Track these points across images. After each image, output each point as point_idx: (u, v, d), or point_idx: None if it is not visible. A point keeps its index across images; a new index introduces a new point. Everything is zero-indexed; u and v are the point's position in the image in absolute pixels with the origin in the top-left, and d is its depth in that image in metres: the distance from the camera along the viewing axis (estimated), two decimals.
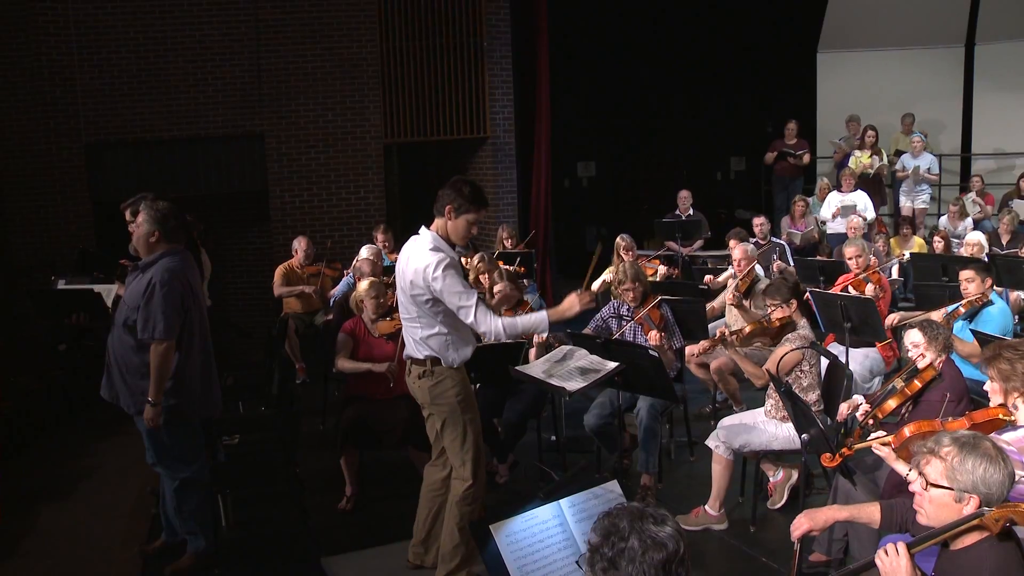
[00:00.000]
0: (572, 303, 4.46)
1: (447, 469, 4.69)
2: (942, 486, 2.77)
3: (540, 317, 4.47)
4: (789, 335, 5.50)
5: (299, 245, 9.10)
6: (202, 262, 8.41)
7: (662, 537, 2.15)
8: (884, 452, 3.92)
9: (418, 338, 4.48)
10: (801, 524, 3.29)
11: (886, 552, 2.71)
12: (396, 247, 9.21)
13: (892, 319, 6.92)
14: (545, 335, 4.45)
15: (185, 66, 10.40)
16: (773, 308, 5.65)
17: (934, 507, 2.79)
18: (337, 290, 8.48)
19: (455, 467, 4.58)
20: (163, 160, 10.55)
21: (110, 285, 7.32)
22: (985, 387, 3.95)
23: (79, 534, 5.64)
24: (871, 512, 3.29)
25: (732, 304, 7.10)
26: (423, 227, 4.50)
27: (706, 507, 5.41)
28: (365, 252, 8.22)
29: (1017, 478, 2.92)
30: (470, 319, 4.32)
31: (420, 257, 4.34)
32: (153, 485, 5.66)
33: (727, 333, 5.66)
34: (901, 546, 2.69)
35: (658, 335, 5.93)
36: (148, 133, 10.38)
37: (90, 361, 7.40)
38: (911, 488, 2.92)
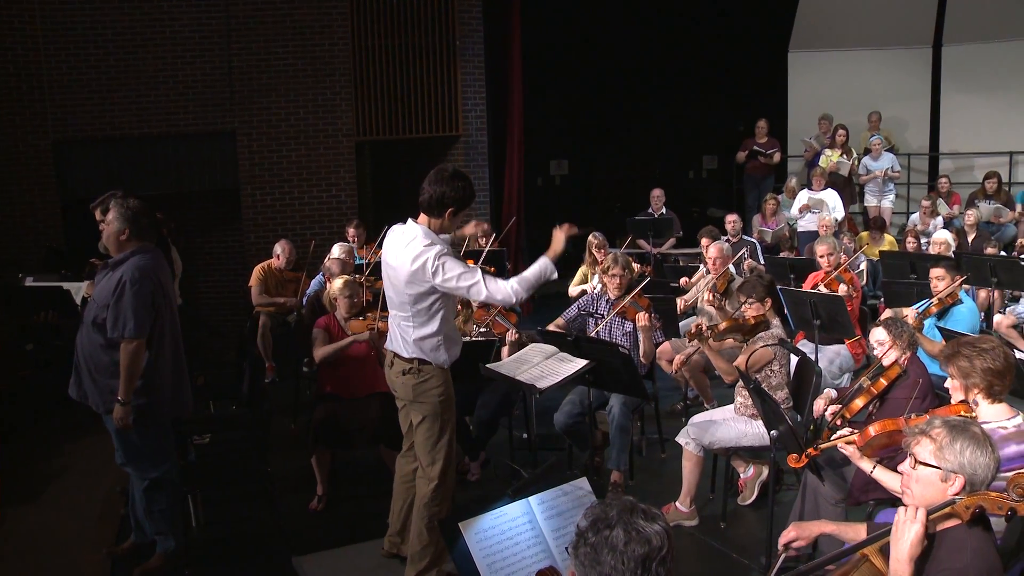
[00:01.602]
0: (559, 238, 4.43)
1: (417, 462, 4.69)
2: (930, 465, 2.84)
3: (544, 263, 4.35)
4: (762, 333, 5.54)
5: (281, 250, 8.89)
6: (172, 260, 8.38)
7: (648, 533, 2.13)
8: (849, 450, 3.97)
9: (410, 339, 4.42)
10: (789, 533, 3.36)
11: (905, 511, 2.76)
12: (368, 243, 9.21)
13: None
14: (554, 274, 4.39)
15: (155, 62, 10.32)
16: (748, 306, 5.68)
17: (921, 486, 2.86)
18: (308, 290, 8.44)
19: (423, 465, 4.55)
20: (133, 157, 10.45)
21: (79, 283, 7.26)
22: (946, 384, 4.00)
23: (47, 535, 5.58)
24: (857, 531, 3.35)
25: (711, 305, 7.11)
26: (410, 220, 4.39)
27: (677, 503, 5.44)
28: (337, 251, 8.19)
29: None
30: (483, 295, 4.27)
31: (415, 254, 4.24)
32: (122, 485, 5.62)
33: (704, 328, 5.68)
34: (923, 512, 2.74)
35: (646, 316, 5.94)
36: (117, 130, 10.29)
37: (58, 360, 7.33)
38: (900, 469, 2.98)
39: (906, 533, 2.72)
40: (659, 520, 2.18)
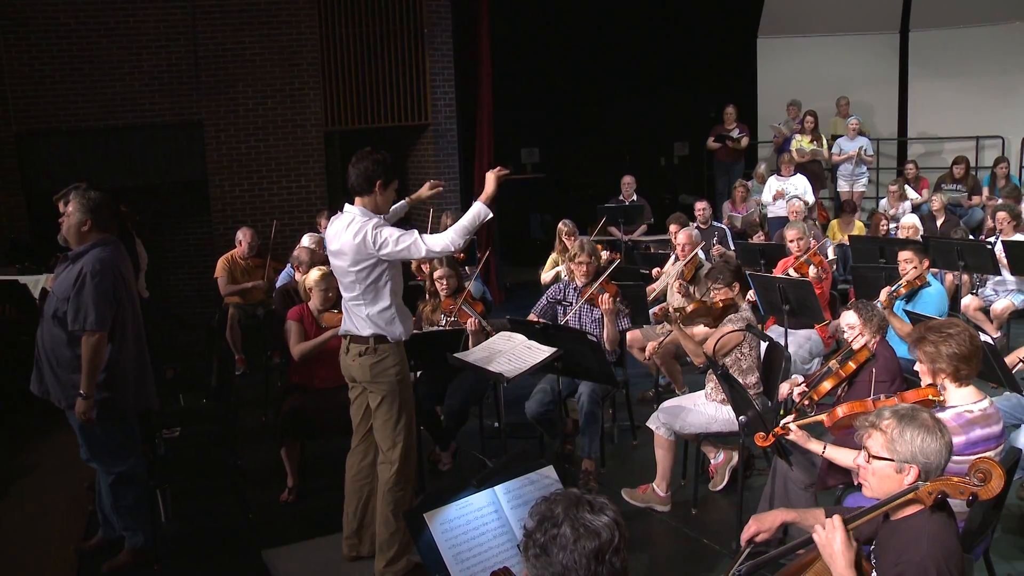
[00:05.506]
0: (490, 181, 4.52)
1: (369, 455, 4.68)
2: (883, 458, 2.86)
3: (478, 207, 4.43)
4: (731, 316, 5.54)
5: (243, 237, 8.93)
6: (137, 252, 8.28)
7: (596, 526, 2.11)
8: (799, 434, 4.00)
9: (364, 316, 4.46)
10: (750, 528, 3.35)
11: (823, 526, 2.79)
12: None
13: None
14: (489, 215, 4.47)
15: (120, 52, 10.14)
16: (716, 291, 5.68)
17: (877, 479, 2.88)
18: (278, 281, 8.37)
19: (383, 450, 4.55)
20: (98, 149, 10.29)
21: (37, 276, 7.14)
22: (915, 367, 4.02)
23: (14, 533, 5.52)
24: (817, 515, 3.35)
25: (680, 293, 7.12)
26: (347, 205, 4.49)
27: (654, 484, 5.43)
28: (307, 240, 8.15)
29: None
30: (424, 250, 4.37)
31: (355, 230, 4.35)
32: (89, 481, 5.55)
33: (672, 310, 5.68)
34: (837, 519, 2.77)
35: (610, 298, 5.93)
36: (82, 121, 10.13)
37: (20, 356, 7.22)
38: (856, 462, 2.99)
39: (831, 546, 2.75)
40: (607, 510, 2.16)
